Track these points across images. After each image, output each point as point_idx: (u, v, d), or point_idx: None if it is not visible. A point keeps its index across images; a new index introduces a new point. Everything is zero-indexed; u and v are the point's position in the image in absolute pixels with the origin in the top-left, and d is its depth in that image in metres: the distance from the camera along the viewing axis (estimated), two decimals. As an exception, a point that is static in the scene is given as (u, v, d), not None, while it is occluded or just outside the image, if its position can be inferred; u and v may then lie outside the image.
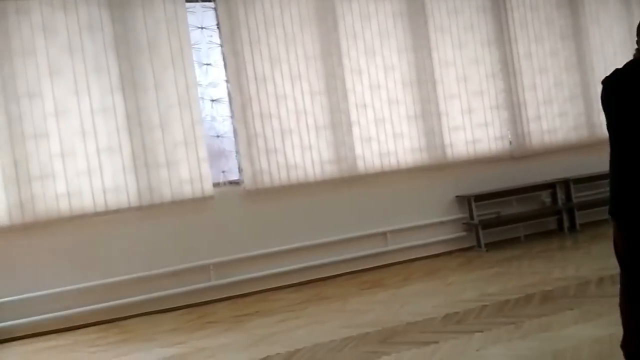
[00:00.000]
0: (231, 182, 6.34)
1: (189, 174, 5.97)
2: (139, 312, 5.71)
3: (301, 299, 5.62)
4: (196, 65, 6.16)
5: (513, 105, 7.44)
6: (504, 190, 7.17)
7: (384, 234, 6.74)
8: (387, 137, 6.77)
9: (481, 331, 3.89)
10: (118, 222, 5.78)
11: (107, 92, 5.76)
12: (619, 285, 2.59)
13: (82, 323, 5.54)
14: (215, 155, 6.34)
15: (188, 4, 6.15)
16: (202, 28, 6.28)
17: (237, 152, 6.29)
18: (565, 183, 7.44)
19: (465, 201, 7.07)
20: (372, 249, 6.67)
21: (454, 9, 7.20)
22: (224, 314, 5.46)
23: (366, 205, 6.68)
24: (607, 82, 2.52)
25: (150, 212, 5.86)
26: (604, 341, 3.33)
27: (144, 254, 5.83)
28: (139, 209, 5.82)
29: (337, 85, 6.57)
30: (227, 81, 6.28)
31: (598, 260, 5.46)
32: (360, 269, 6.54)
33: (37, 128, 5.53)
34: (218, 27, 6.28)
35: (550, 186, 7.44)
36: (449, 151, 7.07)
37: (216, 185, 6.20)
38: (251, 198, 6.25)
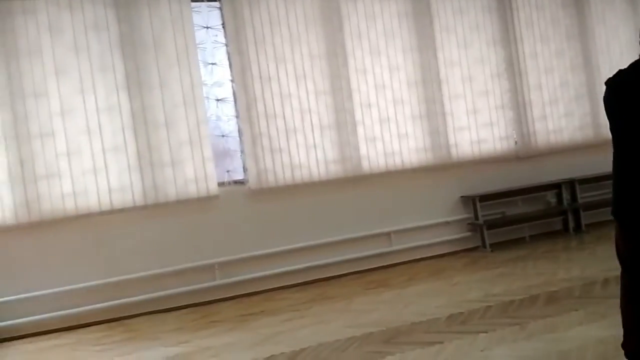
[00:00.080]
0: (236, 182, 6.35)
1: (194, 173, 5.99)
2: (144, 311, 5.73)
3: (306, 299, 5.62)
4: (201, 65, 6.17)
5: (518, 105, 7.42)
6: (509, 190, 7.15)
7: (388, 234, 6.74)
8: (391, 137, 6.76)
9: (486, 332, 3.88)
10: (123, 221, 5.79)
11: (113, 91, 5.78)
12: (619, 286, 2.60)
13: (86, 322, 5.56)
14: (220, 155, 6.35)
15: (193, 4, 6.16)
16: (207, 27, 6.30)
17: (242, 151, 6.30)
18: (571, 183, 7.41)
19: (470, 201, 7.06)
20: (376, 248, 6.67)
21: (460, 9, 7.18)
22: (228, 313, 5.47)
23: (371, 205, 6.68)
24: (610, 83, 2.52)
25: (155, 211, 5.88)
26: (608, 342, 3.31)
27: (149, 253, 5.84)
28: (144, 208, 5.84)
29: (342, 85, 6.57)
30: (232, 80, 6.29)
31: (603, 261, 5.44)
32: (364, 268, 6.54)
33: (43, 127, 5.56)
34: (223, 27, 6.29)
35: (556, 186, 7.42)
36: (454, 151, 7.06)
37: (221, 184, 6.21)
38: (256, 197, 6.26)
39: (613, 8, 7.92)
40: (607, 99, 2.54)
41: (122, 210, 5.76)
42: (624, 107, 2.45)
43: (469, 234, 7.09)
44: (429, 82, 6.96)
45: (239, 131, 6.30)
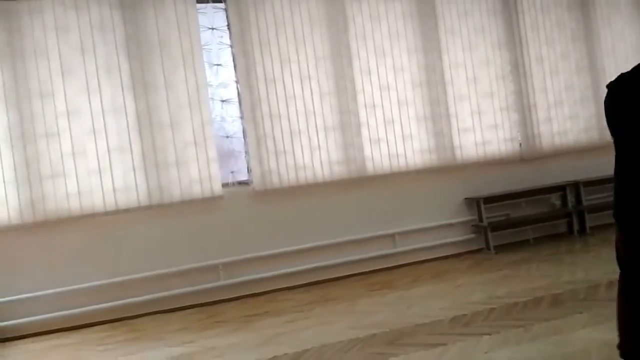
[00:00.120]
0: (240, 183, 6.36)
1: (198, 174, 6.00)
2: (148, 311, 5.75)
3: (309, 300, 5.63)
4: (206, 66, 6.19)
5: (523, 107, 7.41)
6: (514, 192, 7.14)
7: (392, 235, 6.73)
8: (396, 139, 6.76)
9: (489, 334, 3.87)
10: (128, 221, 5.81)
11: (118, 92, 5.80)
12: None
13: (91, 321, 5.58)
14: (225, 156, 6.37)
15: (199, 5, 6.18)
16: (212, 29, 6.31)
17: (247, 152, 6.31)
18: (576, 185, 7.40)
19: (475, 203, 7.05)
20: (380, 250, 6.67)
21: (465, 11, 7.18)
22: (232, 313, 5.48)
23: (375, 206, 6.68)
24: (612, 86, 2.56)
25: (159, 211, 5.90)
26: (613, 345, 3.27)
27: (154, 253, 5.86)
28: (149, 208, 5.86)
29: (347, 86, 6.58)
30: (237, 82, 6.31)
31: (608, 263, 5.39)
32: (368, 270, 6.54)
33: (48, 127, 5.59)
34: (228, 28, 6.30)
35: (560, 189, 7.41)
36: (458, 153, 7.05)
37: (225, 185, 6.23)
38: (260, 198, 6.27)
39: (619, 11, 7.90)
40: (608, 102, 2.58)
41: (126, 211, 5.78)
42: (624, 109, 2.48)
43: (473, 236, 7.08)
44: (434, 84, 6.96)
45: (244, 132, 6.31)
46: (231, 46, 6.31)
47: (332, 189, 6.51)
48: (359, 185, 6.61)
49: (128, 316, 5.68)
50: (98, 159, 5.71)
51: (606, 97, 2.62)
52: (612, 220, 2.69)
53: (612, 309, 3.94)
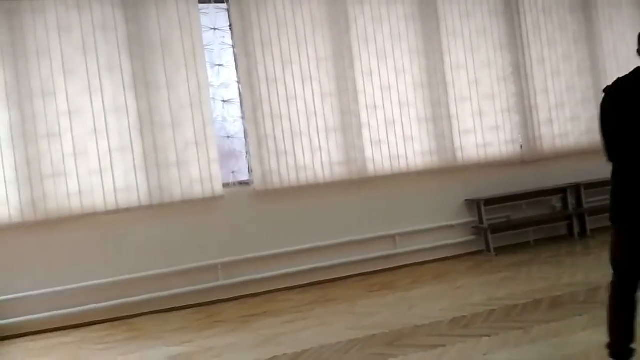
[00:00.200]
0: (241, 183, 6.37)
1: (199, 174, 6.00)
2: (147, 310, 5.75)
3: (309, 300, 5.63)
4: (208, 66, 6.19)
5: (524, 108, 7.40)
6: (514, 194, 7.14)
7: (393, 236, 6.73)
8: (397, 140, 6.76)
9: (489, 336, 3.87)
10: (128, 220, 5.82)
11: (120, 92, 5.81)
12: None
13: (90, 320, 5.59)
14: (226, 156, 6.37)
15: (201, 5, 6.18)
16: (214, 29, 6.32)
17: (248, 152, 6.32)
18: (576, 188, 7.38)
19: (475, 205, 7.04)
20: (381, 251, 6.67)
21: (467, 13, 7.18)
22: (231, 313, 5.48)
23: (375, 207, 6.68)
24: (609, 90, 2.69)
25: (160, 211, 5.90)
26: (612, 348, 3.30)
27: (154, 252, 5.86)
28: (150, 208, 5.86)
29: (348, 87, 6.58)
30: (238, 82, 6.31)
31: (608, 266, 5.36)
32: (368, 271, 6.54)
33: (50, 127, 5.59)
34: (230, 29, 6.31)
35: (561, 191, 7.40)
36: (459, 154, 7.05)
37: (226, 185, 6.23)
38: (260, 199, 6.27)
39: (621, 13, 7.90)
40: (604, 105, 2.70)
41: (127, 210, 5.78)
42: (619, 110, 2.59)
43: (473, 237, 7.08)
44: (435, 85, 6.96)
45: (245, 132, 6.32)
46: (233, 46, 6.31)
47: (333, 189, 6.51)
48: (360, 186, 6.61)
49: (127, 315, 5.68)
50: (99, 159, 5.72)
51: (603, 100, 2.73)
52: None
53: (611, 312, 3.95)
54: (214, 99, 6.25)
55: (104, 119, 5.75)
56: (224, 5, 6.31)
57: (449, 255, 6.91)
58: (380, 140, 6.69)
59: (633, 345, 2.79)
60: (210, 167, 6.04)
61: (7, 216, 5.47)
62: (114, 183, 5.74)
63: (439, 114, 6.95)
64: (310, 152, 6.40)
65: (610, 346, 2.81)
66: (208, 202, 6.04)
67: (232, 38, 6.30)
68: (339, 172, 6.52)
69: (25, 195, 5.50)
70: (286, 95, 6.33)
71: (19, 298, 5.47)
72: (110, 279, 5.71)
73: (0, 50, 5.51)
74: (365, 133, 6.63)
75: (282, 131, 6.30)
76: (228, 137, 6.41)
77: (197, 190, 6.00)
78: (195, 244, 6.00)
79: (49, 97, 5.60)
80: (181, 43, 6.01)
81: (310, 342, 4.21)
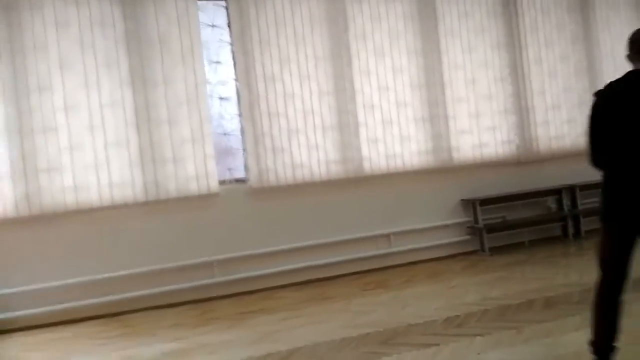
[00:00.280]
0: (237, 180, 6.37)
1: (195, 170, 6.00)
2: (142, 306, 5.75)
3: (304, 298, 5.64)
4: (206, 63, 6.19)
5: (521, 109, 7.42)
6: (510, 194, 7.16)
7: (388, 235, 6.75)
8: (393, 139, 6.77)
9: (482, 335, 3.89)
10: (123, 216, 5.81)
11: (117, 87, 5.80)
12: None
13: (84, 316, 5.58)
14: (222, 153, 6.38)
15: (199, 2, 6.18)
16: (212, 26, 6.32)
17: (244, 150, 6.32)
18: (571, 189, 7.41)
19: (471, 205, 7.06)
20: (375, 250, 6.68)
21: (465, 13, 7.19)
22: (226, 310, 5.49)
23: (371, 206, 6.69)
24: (600, 94, 2.75)
25: (155, 207, 5.90)
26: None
27: (149, 248, 5.86)
28: (145, 204, 5.86)
29: (346, 86, 6.58)
30: (236, 80, 6.31)
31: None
32: (363, 269, 6.55)
33: (46, 122, 5.58)
34: (229, 26, 6.31)
35: (556, 192, 7.43)
36: (455, 154, 7.06)
37: (222, 182, 6.23)
38: (256, 196, 6.27)
39: (618, 14, 7.92)
40: (594, 108, 2.76)
41: (122, 206, 5.78)
42: (609, 114, 2.65)
43: (468, 237, 7.10)
44: (432, 85, 6.97)
45: (242, 130, 6.32)
46: (231, 44, 6.31)
47: (329, 188, 6.52)
48: (356, 185, 6.62)
49: (122, 311, 5.68)
50: (95, 154, 5.71)
51: (593, 103, 2.82)
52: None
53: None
54: (211, 96, 6.25)
55: (100, 114, 5.73)
56: (223, 3, 6.30)
57: (443, 255, 6.93)
58: (377, 139, 6.70)
59: (615, 343, 2.84)
60: (207, 164, 6.04)
61: (1, 210, 5.45)
62: (109, 178, 5.73)
63: (435, 114, 6.96)
64: (307, 150, 6.41)
65: (594, 344, 2.86)
66: (204, 199, 6.04)
67: (230, 35, 6.30)
68: (335, 170, 6.53)
69: (20, 189, 5.48)
70: (283, 93, 6.33)
71: (14, 293, 5.46)
72: (105, 275, 5.70)
73: (-3, 44, 5.50)
74: (362, 132, 6.64)
75: (279, 129, 6.31)
76: (225, 134, 6.41)
77: (193, 187, 6.00)
78: (190, 241, 6.00)
79: (45, 92, 5.58)
80: (179, 40, 6.01)
81: (304, 339, 4.22)
